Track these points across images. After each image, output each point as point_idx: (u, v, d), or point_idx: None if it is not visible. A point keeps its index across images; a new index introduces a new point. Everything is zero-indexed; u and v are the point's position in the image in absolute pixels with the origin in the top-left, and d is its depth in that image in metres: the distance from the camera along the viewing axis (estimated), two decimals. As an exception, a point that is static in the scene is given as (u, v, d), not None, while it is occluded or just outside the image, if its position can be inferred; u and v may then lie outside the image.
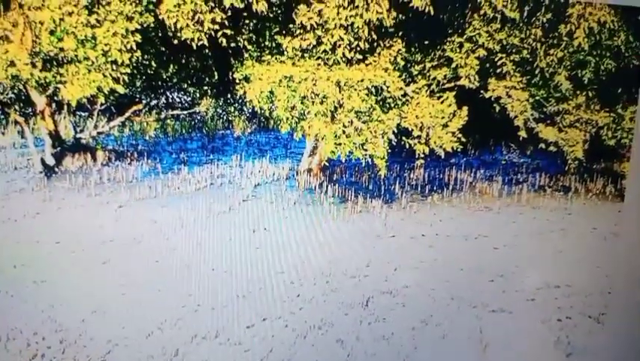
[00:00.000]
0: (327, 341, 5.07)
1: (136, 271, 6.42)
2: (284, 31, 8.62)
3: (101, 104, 10.82)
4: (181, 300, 5.79)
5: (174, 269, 6.47)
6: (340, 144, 8.53)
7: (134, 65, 8.98)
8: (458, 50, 8.43)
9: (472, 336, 5.04)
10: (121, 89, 8.94)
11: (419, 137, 8.52)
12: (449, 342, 4.99)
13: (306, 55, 8.52)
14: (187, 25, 8.50)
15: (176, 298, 5.82)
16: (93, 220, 7.99)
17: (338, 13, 8.11)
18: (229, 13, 8.39)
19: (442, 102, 8.44)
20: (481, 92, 8.56)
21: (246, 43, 9.01)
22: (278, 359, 4.83)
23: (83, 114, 12.22)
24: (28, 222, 7.84)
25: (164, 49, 9.48)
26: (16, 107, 10.90)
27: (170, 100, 11.65)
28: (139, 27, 8.44)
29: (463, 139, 8.41)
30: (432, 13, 7.93)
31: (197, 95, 11.32)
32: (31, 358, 4.82)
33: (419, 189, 9.17)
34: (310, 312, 5.52)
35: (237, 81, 9.20)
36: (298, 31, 8.45)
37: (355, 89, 8.27)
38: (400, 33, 8.41)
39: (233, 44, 8.90)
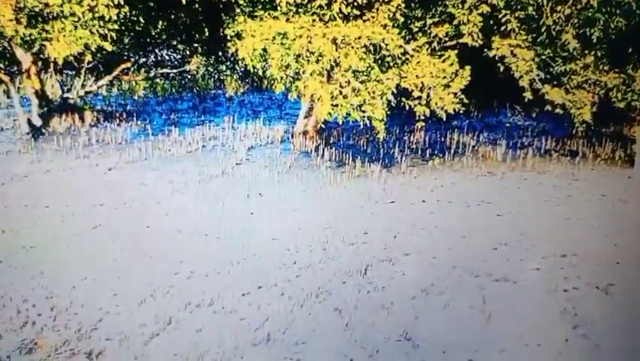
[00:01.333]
0: (325, 309, 4.94)
1: (127, 236, 6.25)
2: (278, -15, 8.25)
3: (88, 63, 10.57)
4: (174, 266, 5.64)
5: (166, 235, 6.30)
6: (337, 106, 8.30)
7: (122, 21, 8.70)
8: (460, 6, 8.10)
9: (475, 306, 4.91)
10: (108, 47, 8.68)
11: (419, 98, 8.28)
12: (451, 312, 4.86)
13: (300, 10, 8.16)
14: (176, -22, 8.13)
15: (168, 265, 5.66)
16: (82, 184, 7.85)
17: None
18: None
19: (443, 61, 8.17)
20: (485, 50, 8.30)
21: (237, -3, 8.66)
22: (274, 327, 4.68)
23: (69, 73, 11.95)
24: (16, 185, 7.67)
25: (152, 4, 9.19)
26: (1, 65, 10.62)
27: (160, 58, 11.42)
28: (126, -20, 8.09)
29: (466, 100, 8.15)
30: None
31: (187, 52, 11.08)
32: (21, 325, 4.68)
33: (419, 152, 9.01)
34: (307, 280, 5.39)
35: (229, 38, 8.86)
36: (293, -15, 8.10)
37: (352, 47, 7.97)
38: (400, -14, 8.08)
39: (224, -2, 8.59)
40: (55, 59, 8.87)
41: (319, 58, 8.06)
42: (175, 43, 10.67)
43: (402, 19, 8.14)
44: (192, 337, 4.54)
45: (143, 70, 11.44)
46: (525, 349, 4.34)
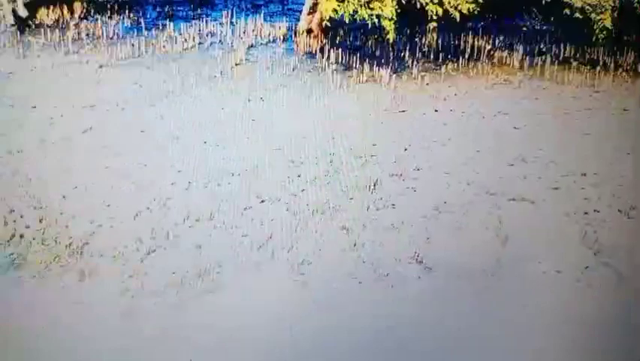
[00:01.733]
0: (331, 227, 4.74)
1: (120, 142, 5.92)
2: None
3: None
4: (170, 176, 5.38)
5: (162, 141, 5.96)
6: (343, 2, 7.75)
7: None
8: None
9: (491, 227, 4.66)
10: None
11: (432, -5, 7.71)
12: (465, 233, 4.64)
13: None
14: None
15: (165, 175, 5.40)
16: (72, 82, 7.40)
17: None
18: None
19: (457, -47, 7.54)
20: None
21: None
22: (278, 245, 4.51)
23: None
24: (1, 83, 7.24)
25: None
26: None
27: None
28: None
29: (481, 0, 7.61)
30: None
31: None
32: (9, 238, 4.51)
33: (432, 57, 8.43)
34: (312, 195, 5.15)
35: None
36: None
37: None
38: None
39: None
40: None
41: (324, -56, 7.45)
42: None
43: None
44: (191, 254, 4.35)
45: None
46: (543, 276, 4.14)
